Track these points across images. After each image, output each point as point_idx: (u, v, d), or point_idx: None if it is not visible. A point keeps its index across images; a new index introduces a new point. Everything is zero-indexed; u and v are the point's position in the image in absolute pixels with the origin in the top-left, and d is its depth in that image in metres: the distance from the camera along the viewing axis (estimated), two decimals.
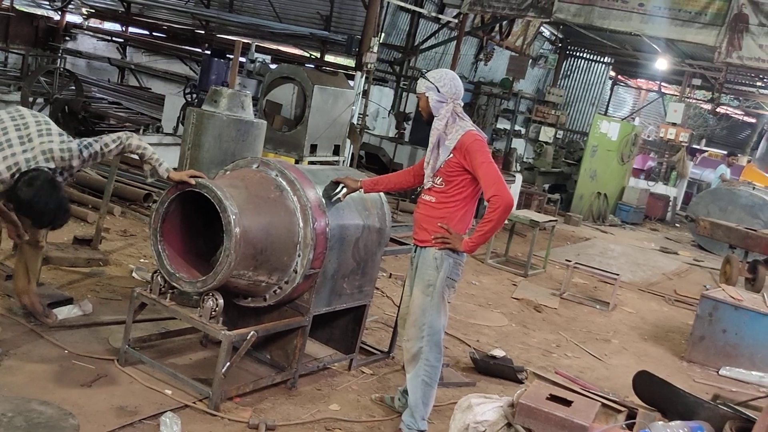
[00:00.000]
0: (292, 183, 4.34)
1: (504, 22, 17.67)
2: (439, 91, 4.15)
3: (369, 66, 11.35)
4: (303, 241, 4.27)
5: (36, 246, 4.71)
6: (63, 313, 4.83)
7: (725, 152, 20.77)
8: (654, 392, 3.91)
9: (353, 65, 12.73)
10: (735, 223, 10.58)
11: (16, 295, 4.78)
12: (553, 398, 3.41)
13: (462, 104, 4.28)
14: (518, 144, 19.28)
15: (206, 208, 4.10)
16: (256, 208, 4.15)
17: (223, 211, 3.94)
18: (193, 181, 4.08)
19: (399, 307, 4.84)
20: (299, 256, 4.28)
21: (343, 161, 10.26)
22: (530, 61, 19.24)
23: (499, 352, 5.65)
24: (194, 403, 4.09)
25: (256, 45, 11.59)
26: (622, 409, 3.59)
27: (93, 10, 19.60)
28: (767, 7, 11.35)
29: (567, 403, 3.38)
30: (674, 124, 16.87)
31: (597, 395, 3.66)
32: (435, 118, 4.17)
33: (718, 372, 6.68)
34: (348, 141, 10.47)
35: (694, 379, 6.39)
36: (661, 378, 4.01)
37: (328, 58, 17.19)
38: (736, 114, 25.16)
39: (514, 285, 8.60)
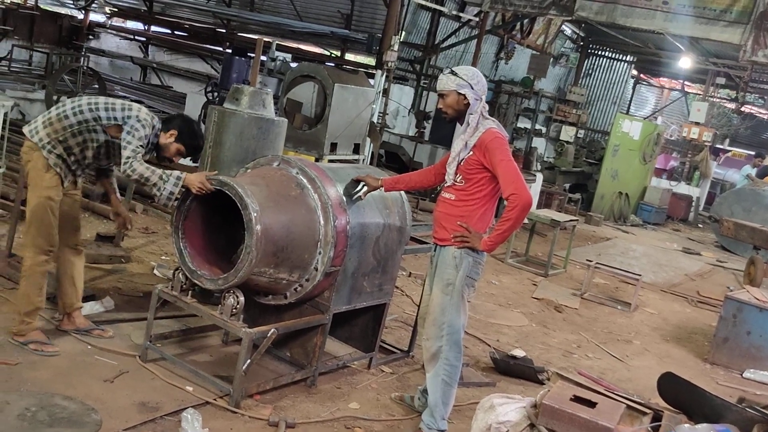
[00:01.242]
0: (312, 181, 4.34)
1: (525, 21, 17.58)
2: (472, 88, 4.12)
3: (389, 64, 11.34)
4: (324, 239, 4.27)
5: (78, 252, 4.59)
6: (86, 309, 4.86)
7: (751, 152, 20.52)
8: (679, 394, 3.86)
9: (374, 64, 12.73)
10: (759, 224, 10.44)
11: (65, 314, 4.59)
12: (577, 399, 3.38)
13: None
14: (539, 143, 19.18)
15: (227, 205, 4.11)
16: (277, 205, 4.16)
17: (245, 209, 3.95)
18: (210, 185, 4.10)
19: (419, 305, 4.83)
20: (320, 253, 4.28)
21: (363, 160, 10.26)
22: (551, 59, 19.11)
23: (519, 352, 5.62)
24: (215, 400, 4.10)
25: (277, 43, 11.59)
26: (648, 411, 3.54)
27: (116, 9, 19.78)
28: None
29: (591, 404, 3.35)
30: (697, 124, 16.70)
31: (621, 397, 3.61)
32: (470, 115, 4.13)
33: (742, 374, 6.59)
34: (368, 140, 10.46)
35: (718, 382, 6.31)
36: (687, 380, 3.96)
37: (349, 56, 17.21)
38: (761, 113, 24.82)
39: (535, 285, 8.55)
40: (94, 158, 4.39)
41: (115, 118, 4.28)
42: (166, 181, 4.14)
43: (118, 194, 4.82)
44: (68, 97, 4.53)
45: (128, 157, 4.15)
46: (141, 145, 4.21)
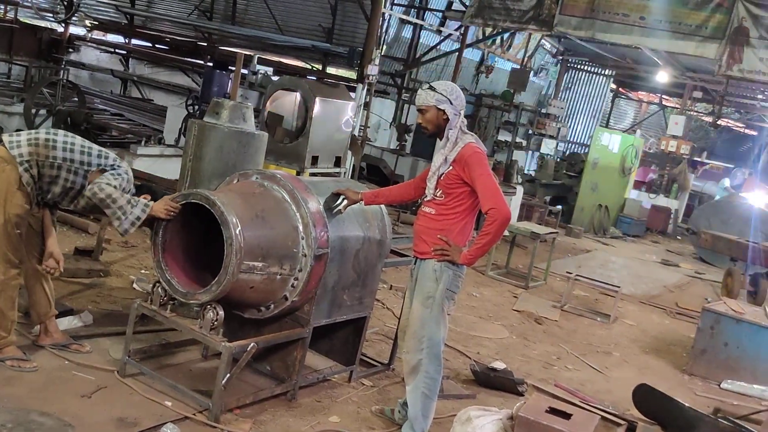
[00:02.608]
0: (292, 194, 4.35)
1: (506, 35, 17.73)
2: (451, 103, 4.16)
3: (371, 78, 11.39)
4: (304, 252, 4.27)
5: (41, 262, 4.51)
6: (63, 324, 4.83)
7: (729, 165, 20.80)
8: (654, 406, 3.91)
9: (355, 77, 12.78)
10: (737, 236, 10.58)
11: (42, 328, 4.55)
12: (553, 411, 3.41)
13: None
14: (519, 156, 19.30)
15: (208, 218, 4.10)
16: (257, 218, 4.16)
17: (224, 224, 3.95)
18: (175, 203, 4.10)
19: (399, 319, 4.84)
20: (301, 265, 4.27)
21: (345, 173, 10.27)
22: (531, 73, 19.28)
23: (499, 365, 5.64)
24: (194, 414, 4.08)
25: (258, 57, 11.64)
26: (622, 422, 3.59)
27: (96, 22, 19.70)
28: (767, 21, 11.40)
29: (566, 416, 3.38)
30: (675, 137, 16.89)
31: (596, 408, 3.65)
32: (449, 130, 4.17)
33: (719, 385, 6.64)
34: (349, 153, 10.48)
35: (696, 393, 6.37)
36: (661, 391, 4.01)
37: (330, 70, 17.26)
38: (738, 127, 25.17)
39: (515, 297, 8.59)
40: (59, 195, 4.32)
41: (103, 164, 4.30)
42: (134, 206, 4.12)
43: (55, 234, 4.61)
44: (62, 129, 4.49)
45: (105, 183, 4.13)
46: (118, 187, 4.20)
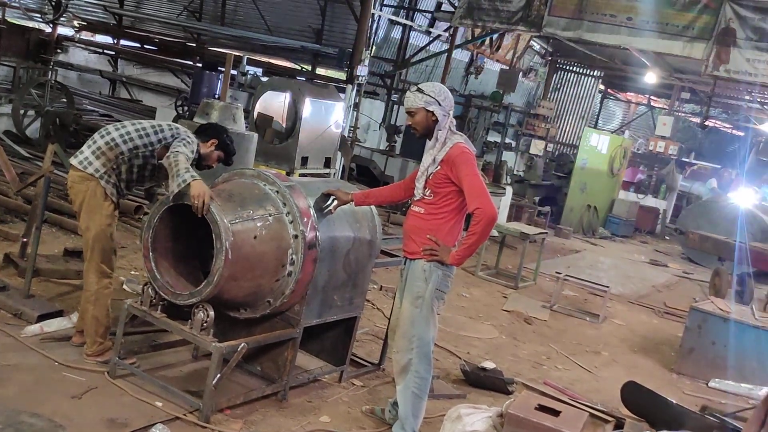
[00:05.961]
0: (282, 194, 4.36)
1: (495, 36, 17.79)
2: (440, 105, 4.18)
3: (360, 79, 11.41)
4: (293, 253, 4.28)
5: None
6: (53, 325, 4.82)
7: (716, 166, 20.92)
8: (641, 403, 3.94)
9: (344, 78, 12.80)
10: (724, 236, 10.66)
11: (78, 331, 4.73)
12: (542, 408, 3.43)
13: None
14: (509, 157, 19.36)
15: (198, 218, 4.10)
16: (247, 219, 4.16)
17: (214, 226, 3.95)
18: (203, 204, 4.07)
19: (389, 319, 4.86)
20: (291, 264, 4.28)
21: (334, 174, 10.29)
22: (520, 74, 19.35)
23: (489, 364, 5.67)
24: (185, 415, 4.08)
25: (248, 58, 11.63)
26: (610, 419, 3.62)
27: (85, 23, 19.61)
28: (754, 22, 11.48)
29: (555, 413, 3.40)
30: (663, 138, 16.99)
31: (585, 405, 3.68)
32: (438, 131, 4.19)
33: (707, 384, 6.70)
34: (339, 154, 10.50)
35: (684, 391, 6.42)
36: (649, 389, 4.04)
37: (320, 71, 17.27)
38: (725, 127, 25.33)
39: (505, 297, 8.62)
40: (136, 181, 4.64)
41: (165, 138, 4.50)
42: (188, 171, 4.18)
43: None
44: (112, 125, 4.62)
45: (179, 151, 4.27)
46: (191, 153, 4.40)
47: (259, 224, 4.20)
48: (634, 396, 3.88)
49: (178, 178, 4.12)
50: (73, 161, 4.51)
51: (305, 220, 4.32)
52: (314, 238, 4.35)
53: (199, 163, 4.72)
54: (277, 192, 4.37)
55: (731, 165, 20.90)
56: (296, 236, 4.28)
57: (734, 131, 25.20)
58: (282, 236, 4.27)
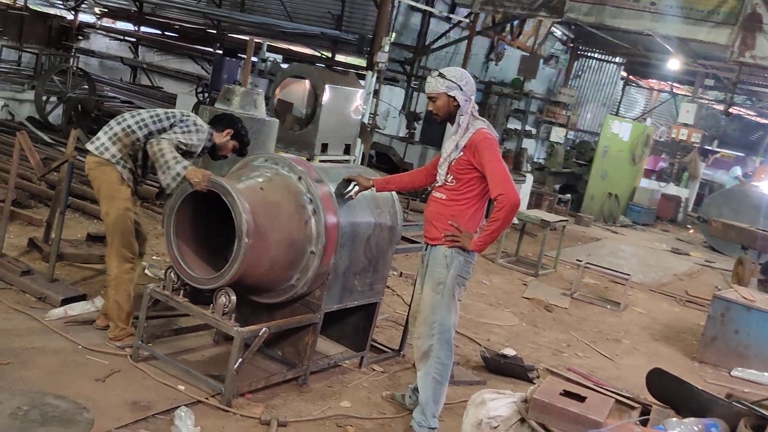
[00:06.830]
0: (303, 179, 4.36)
1: (515, 22, 17.64)
2: (461, 90, 4.15)
3: (380, 65, 11.37)
4: (314, 237, 4.28)
5: (141, 258, 4.86)
6: (77, 309, 4.87)
7: (740, 154, 20.67)
8: (668, 389, 3.90)
9: (364, 65, 12.76)
10: (747, 224, 10.53)
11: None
12: (567, 394, 3.40)
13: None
14: (529, 144, 19.25)
15: (218, 202, 4.12)
16: (268, 205, 4.17)
17: (235, 210, 3.96)
18: (206, 185, 4.13)
19: (410, 305, 4.85)
20: (312, 252, 4.28)
21: (354, 160, 10.28)
22: (541, 60, 19.19)
23: (509, 351, 5.65)
24: (207, 398, 4.11)
25: (268, 44, 11.60)
26: (636, 405, 3.59)
27: (106, 10, 19.73)
28: None
29: (581, 399, 3.37)
30: (686, 125, 16.80)
31: (611, 392, 3.65)
32: (461, 116, 4.15)
33: (730, 373, 6.65)
34: (359, 140, 10.48)
35: (706, 380, 6.36)
36: (675, 375, 4.00)
37: (339, 57, 17.22)
38: (749, 115, 24.99)
39: (525, 284, 8.59)
40: (153, 166, 4.61)
41: (174, 124, 4.53)
42: (178, 163, 4.24)
43: None
44: (127, 113, 4.73)
45: (162, 138, 4.33)
46: (182, 143, 4.41)
47: (280, 210, 4.20)
48: (661, 382, 3.84)
49: (171, 170, 4.19)
50: (90, 147, 4.56)
51: (325, 203, 4.30)
52: (335, 222, 4.34)
53: (214, 152, 4.78)
54: (298, 177, 4.37)
55: (755, 153, 20.65)
56: (317, 221, 4.27)
57: (758, 118, 24.87)
58: (303, 220, 4.26)
